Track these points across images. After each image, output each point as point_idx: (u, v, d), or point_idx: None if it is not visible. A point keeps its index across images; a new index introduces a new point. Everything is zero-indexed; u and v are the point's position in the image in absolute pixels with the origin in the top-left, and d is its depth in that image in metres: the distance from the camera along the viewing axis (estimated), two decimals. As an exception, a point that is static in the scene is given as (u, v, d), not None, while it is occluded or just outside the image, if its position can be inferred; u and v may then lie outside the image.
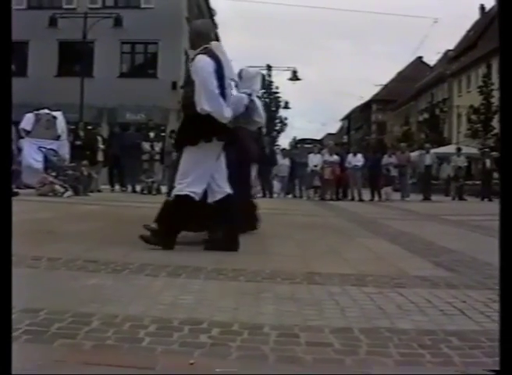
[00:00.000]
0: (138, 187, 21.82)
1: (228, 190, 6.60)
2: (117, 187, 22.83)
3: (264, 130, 8.47)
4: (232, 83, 7.17)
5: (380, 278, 4.99)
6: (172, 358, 2.77)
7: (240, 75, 8.31)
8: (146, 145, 21.70)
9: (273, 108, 60.10)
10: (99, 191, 21.04)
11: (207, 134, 6.36)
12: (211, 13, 45.63)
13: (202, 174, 6.46)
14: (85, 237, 7.28)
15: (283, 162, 25.07)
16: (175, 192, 6.57)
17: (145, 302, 3.77)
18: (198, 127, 6.41)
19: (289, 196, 25.50)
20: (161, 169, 22.47)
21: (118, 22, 33.13)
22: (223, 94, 6.39)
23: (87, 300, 3.74)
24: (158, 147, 22.06)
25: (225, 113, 6.38)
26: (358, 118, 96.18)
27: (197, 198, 6.41)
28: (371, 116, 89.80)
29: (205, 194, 6.56)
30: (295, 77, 41.84)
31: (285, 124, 62.29)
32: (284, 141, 50.62)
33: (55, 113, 20.52)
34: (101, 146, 21.94)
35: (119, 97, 32.29)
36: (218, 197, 6.54)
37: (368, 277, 5.00)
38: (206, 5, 43.28)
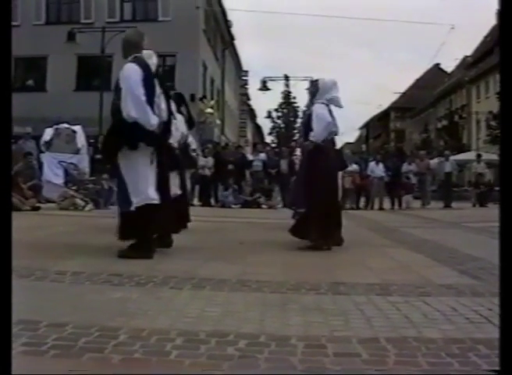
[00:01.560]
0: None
1: (149, 197, 6.61)
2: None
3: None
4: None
5: (405, 287, 4.97)
6: (200, 370, 2.77)
7: (316, 86, 8.35)
8: (165, 157, 21.72)
9: (291, 118, 60.02)
10: (120, 204, 21.05)
11: (132, 141, 6.50)
12: (227, 25, 45.71)
13: (146, 179, 6.60)
14: (107, 250, 7.27)
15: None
16: (135, 205, 6.57)
17: (171, 315, 3.77)
18: (124, 134, 6.53)
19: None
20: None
21: (136, 35, 33.28)
22: (150, 101, 6.51)
23: (113, 314, 3.75)
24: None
25: (152, 120, 6.48)
26: (377, 126, 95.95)
27: (155, 202, 6.58)
28: (389, 124, 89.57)
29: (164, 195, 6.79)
30: (313, 87, 41.82)
31: (303, 134, 62.26)
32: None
33: (74, 127, 20.59)
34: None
35: (137, 110, 32.40)
36: (140, 203, 6.57)
37: (393, 286, 4.99)
38: (223, 17, 43.29)
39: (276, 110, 60.22)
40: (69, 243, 8.02)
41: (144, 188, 6.59)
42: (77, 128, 20.63)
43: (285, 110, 59.76)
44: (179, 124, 9.67)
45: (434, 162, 27.92)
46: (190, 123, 10.54)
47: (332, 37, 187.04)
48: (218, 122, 41.55)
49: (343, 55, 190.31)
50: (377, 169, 23.39)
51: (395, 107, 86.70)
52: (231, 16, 45.39)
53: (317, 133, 7.94)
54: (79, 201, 17.19)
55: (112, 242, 8.15)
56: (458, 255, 7.20)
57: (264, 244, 8.48)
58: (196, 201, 22.96)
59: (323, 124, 7.96)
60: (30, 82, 36.79)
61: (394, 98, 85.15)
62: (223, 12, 42.62)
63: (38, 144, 20.24)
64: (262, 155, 23.33)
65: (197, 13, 35.33)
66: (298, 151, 15.98)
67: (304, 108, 9.34)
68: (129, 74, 6.52)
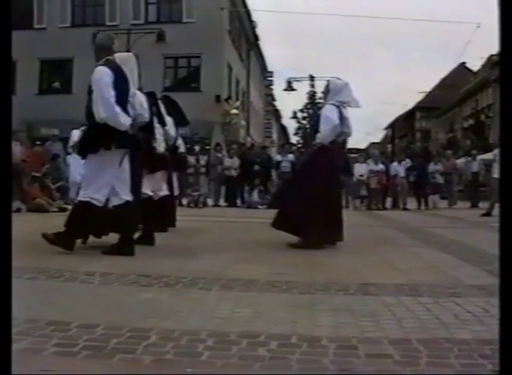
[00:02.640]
0: (184, 201, 21.86)
1: (126, 197, 6.83)
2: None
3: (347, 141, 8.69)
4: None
5: (434, 288, 4.94)
6: (232, 371, 2.77)
7: (327, 87, 8.37)
8: (191, 159, 21.78)
9: (317, 119, 59.91)
10: (146, 205, 21.11)
11: (105, 142, 6.64)
12: (252, 25, 45.71)
13: (104, 181, 6.74)
14: (136, 251, 7.31)
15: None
16: (79, 198, 6.89)
17: (201, 316, 3.77)
18: (98, 135, 6.69)
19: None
20: (207, 182, 22.55)
21: (161, 37, 33.31)
22: (122, 102, 6.67)
23: (144, 315, 3.75)
24: (203, 160, 22.21)
25: (122, 121, 6.62)
26: (402, 126, 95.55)
27: (99, 204, 6.71)
28: (415, 124, 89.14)
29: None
30: (338, 87, 41.76)
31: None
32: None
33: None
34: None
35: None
36: (116, 203, 6.78)
37: (422, 287, 4.96)
38: (247, 18, 43.29)
39: (302, 111, 60.10)
40: (96, 244, 8.05)
41: (119, 189, 6.81)
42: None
43: (310, 111, 59.60)
44: (168, 127, 9.92)
45: (460, 161, 27.78)
46: (184, 121, 10.95)
47: (357, 37, 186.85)
48: (243, 123, 41.59)
49: (367, 55, 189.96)
50: (400, 169, 23.33)
51: (420, 107, 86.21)
52: (255, 16, 45.42)
53: (323, 135, 7.96)
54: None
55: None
56: (486, 255, 7.13)
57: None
58: (222, 202, 23.01)
59: (329, 126, 7.95)
60: (57, 84, 36.99)
61: (419, 97, 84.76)
62: (248, 13, 42.62)
63: (65, 145, 20.33)
64: (290, 156, 23.29)
65: (222, 14, 35.34)
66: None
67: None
68: (99, 77, 6.68)
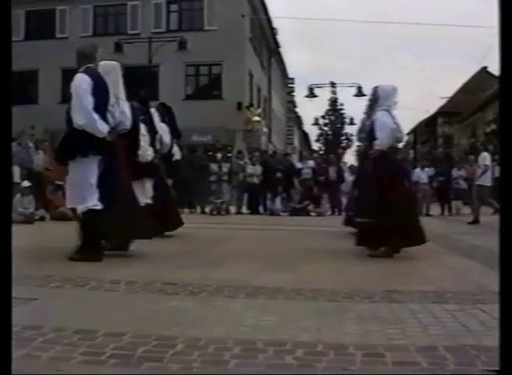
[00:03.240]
0: (207, 208, 21.88)
1: (89, 204, 6.86)
2: (186, 208, 22.96)
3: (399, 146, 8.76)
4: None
5: (460, 294, 4.92)
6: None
7: (375, 93, 8.34)
8: (214, 166, 21.83)
9: (338, 125, 59.77)
10: (169, 213, 21.12)
11: (83, 148, 6.80)
12: (273, 32, 45.71)
13: (90, 187, 6.84)
14: (160, 259, 7.34)
15: (352, 179, 24.78)
16: (80, 211, 6.94)
17: (227, 324, 3.77)
18: (75, 142, 6.89)
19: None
20: (230, 190, 22.55)
21: (182, 45, 33.41)
22: (101, 109, 6.86)
23: (170, 323, 3.76)
24: (225, 167, 22.20)
25: (100, 127, 6.77)
26: (424, 132, 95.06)
27: (99, 207, 6.84)
28: (437, 129, 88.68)
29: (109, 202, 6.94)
30: (360, 93, 41.65)
31: (351, 141, 61.84)
32: (350, 158, 50.14)
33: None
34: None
35: (185, 119, 32.14)
36: (84, 210, 6.87)
37: (448, 294, 4.94)
38: (268, 25, 43.32)
39: (323, 117, 59.96)
40: (121, 252, 8.08)
41: (88, 195, 6.86)
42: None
43: (332, 117, 59.50)
44: (162, 134, 10.31)
45: (484, 167, 27.59)
46: (175, 133, 11.18)
47: (377, 43, 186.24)
48: (265, 130, 41.60)
49: (387, 60, 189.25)
50: (423, 175, 23.23)
51: (442, 112, 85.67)
52: (276, 23, 45.45)
53: (381, 141, 7.91)
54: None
55: (162, 250, 8.22)
56: (512, 262, 7.09)
57: (315, 252, 8.45)
58: (244, 209, 23.01)
59: (387, 131, 7.93)
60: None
61: (441, 102, 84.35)
62: (268, 20, 42.66)
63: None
64: (311, 163, 23.23)
65: (243, 22, 35.40)
66: (349, 158, 15.99)
67: (363, 116, 9.27)
68: (78, 83, 6.83)
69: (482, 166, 17.48)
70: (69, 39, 35.57)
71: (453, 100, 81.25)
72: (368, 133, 8.41)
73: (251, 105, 36.67)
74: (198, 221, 17.16)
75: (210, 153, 23.89)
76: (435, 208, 23.27)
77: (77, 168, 6.92)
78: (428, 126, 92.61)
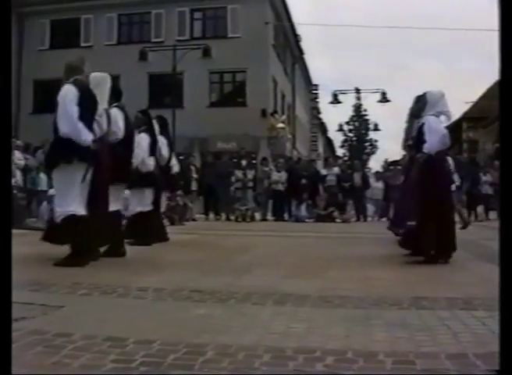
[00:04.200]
0: (232, 215, 21.92)
1: (70, 209, 7.04)
2: (211, 215, 22.99)
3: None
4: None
5: (488, 301, 4.87)
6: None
7: (424, 99, 8.31)
8: (239, 173, 21.86)
9: (363, 131, 59.64)
10: (194, 220, 21.18)
11: (67, 156, 7.01)
12: (296, 39, 45.71)
13: (75, 194, 7.07)
14: (186, 266, 7.36)
15: (377, 185, 24.70)
16: (59, 217, 7.17)
17: (256, 331, 3.77)
18: (60, 149, 7.11)
19: (384, 219, 25.10)
20: (255, 197, 22.57)
21: (206, 53, 33.44)
22: (86, 119, 7.09)
23: (199, 330, 3.76)
24: (250, 174, 22.22)
25: (83, 136, 6.99)
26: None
27: (79, 213, 7.06)
28: (461, 135, 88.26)
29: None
30: (384, 99, 41.58)
31: (375, 147, 61.73)
32: (375, 164, 49.96)
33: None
34: (195, 175, 22.19)
35: (209, 126, 32.55)
36: (64, 214, 7.07)
37: (476, 301, 4.91)
38: (292, 32, 43.33)
39: (347, 123, 59.82)
40: (148, 259, 8.12)
41: (70, 201, 7.07)
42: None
43: (356, 123, 59.37)
44: (161, 146, 10.65)
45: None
46: (172, 146, 11.73)
47: (399, 49, 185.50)
48: (289, 136, 41.56)
49: (410, 66, 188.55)
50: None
51: (467, 117, 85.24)
52: (300, 30, 45.40)
53: (432, 145, 7.87)
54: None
55: (188, 257, 8.24)
56: (541, 268, 7.04)
57: (341, 258, 8.43)
58: (270, 216, 23.02)
59: (438, 136, 7.89)
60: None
61: (466, 108, 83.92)
62: (292, 27, 42.67)
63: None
64: (336, 169, 23.23)
65: (267, 29, 35.41)
66: (374, 164, 16.05)
67: (406, 124, 9.23)
68: (64, 94, 7.07)
69: None
70: (93, 48, 35.83)
71: (477, 105, 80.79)
72: (415, 138, 8.37)
73: (275, 111, 36.65)
74: (224, 228, 17.20)
75: (235, 160, 23.92)
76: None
77: (61, 174, 7.15)
78: (452, 132, 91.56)
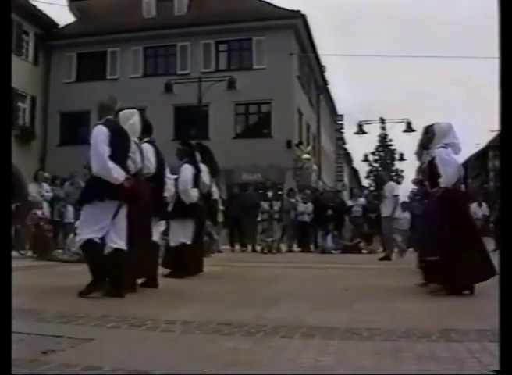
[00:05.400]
0: (258, 247, 21.89)
1: (115, 245, 7.27)
2: (237, 247, 22.98)
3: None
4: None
5: (518, 332, 4.83)
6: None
7: (432, 131, 8.29)
8: (265, 205, 21.84)
9: (388, 161, 59.56)
10: (220, 251, 21.17)
11: (99, 194, 7.26)
12: (321, 70, 45.81)
13: (99, 227, 7.27)
14: (214, 298, 7.37)
15: (404, 216, 24.50)
16: (78, 243, 7.70)
17: (285, 365, 3.76)
18: (93, 187, 7.44)
19: (411, 250, 24.89)
20: (281, 228, 22.53)
21: (231, 84, 33.58)
22: (118, 158, 7.31)
23: (227, 364, 3.75)
24: (276, 206, 22.16)
25: (114, 175, 7.18)
26: (475, 166, 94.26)
27: (98, 241, 7.26)
28: (487, 163, 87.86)
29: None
30: (409, 129, 41.48)
31: (401, 177, 61.53)
32: (402, 195, 49.64)
33: (174, 176, 20.88)
34: (221, 207, 22.24)
35: (235, 158, 32.59)
36: (107, 251, 7.26)
37: (506, 332, 4.86)
38: (316, 62, 43.44)
39: (373, 153, 59.77)
40: (175, 291, 8.12)
41: (90, 229, 7.29)
42: (168, 178, 20.92)
43: (381, 153, 59.34)
44: (202, 174, 10.75)
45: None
46: (213, 172, 11.69)
47: (424, 77, 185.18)
48: (314, 167, 41.54)
49: (435, 94, 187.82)
50: (479, 211, 23.00)
51: (493, 146, 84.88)
52: (324, 60, 45.53)
53: (448, 178, 7.88)
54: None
55: (215, 289, 8.24)
56: None
57: (368, 290, 8.40)
58: (296, 247, 22.97)
59: (454, 168, 7.91)
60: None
61: (491, 136, 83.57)
62: (317, 58, 42.81)
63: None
64: (362, 200, 23.16)
65: (291, 60, 35.53)
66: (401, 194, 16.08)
67: (416, 156, 9.25)
68: (96, 134, 7.31)
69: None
70: (119, 80, 36.16)
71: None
72: (427, 171, 8.33)
73: (301, 142, 36.67)
74: (250, 260, 17.18)
75: (261, 191, 23.93)
76: (489, 243, 22.95)
77: (91, 208, 7.36)
78: (478, 160, 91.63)
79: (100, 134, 7.27)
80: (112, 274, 7.25)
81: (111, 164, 7.15)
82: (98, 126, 7.41)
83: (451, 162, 7.92)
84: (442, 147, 8.03)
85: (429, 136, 8.31)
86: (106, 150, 7.18)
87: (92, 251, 7.29)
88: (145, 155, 8.25)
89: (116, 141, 7.32)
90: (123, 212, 7.42)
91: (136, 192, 7.52)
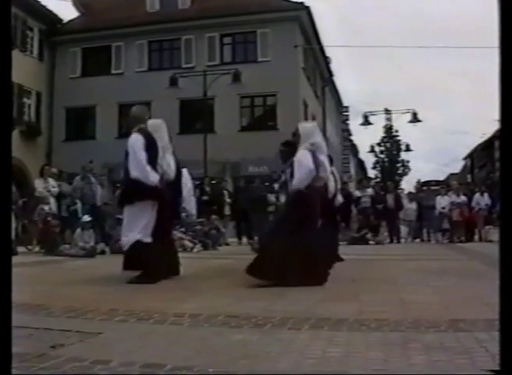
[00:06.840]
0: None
1: (146, 240, 8.24)
2: (244, 239, 22.97)
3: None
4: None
5: (527, 322, 4.83)
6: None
7: (297, 132, 8.68)
8: (271, 197, 21.82)
9: (394, 152, 59.50)
10: (227, 244, 21.20)
11: (140, 195, 8.17)
12: (326, 62, 45.69)
13: (142, 224, 8.23)
14: (222, 291, 7.38)
15: (410, 206, 24.55)
16: (127, 244, 8.33)
17: (294, 357, 3.75)
18: (133, 190, 8.26)
19: (417, 240, 24.96)
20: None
21: (236, 77, 33.47)
22: (151, 163, 8.23)
23: (236, 356, 3.75)
24: (283, 198, 22.15)
25: (151, 178, 8.13)
26: (481, 156, 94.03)
27: (146, 240, 8.23)
28: (494, 153, 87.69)
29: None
30: (415, 119, 41.45)
31: (407, 167, 61.42)
32: (407, 185, 49.57)
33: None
34: (228, 200, 22.23)
35: (241, 150, 32.62)
36: (131, 241, 8.25)
37: (515, 322, 4.85)
38: (322, 54, 43.32)
39: (379, 144, 59.70)
40: (182, 285, 8.13)
41: (137, 230, 8.21)
42: (183, 171, 20.92)
43: (387, 144, 59.29)
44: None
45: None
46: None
47: (429, 68, 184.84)
48: (320, 159, 41.38)
49: (440, 85, 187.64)
50: (482, 201, 22.98)
51: (499, 135, 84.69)
52: (329, 52, 45.43)
53: (299, 180, 8.09)
54: (187, 243, 17.38)
55: (224, 283, 8.24)
56: None
57: (376, 281, 8.41)
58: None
59: (305, 170, 8.07)
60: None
61: (497, 126, 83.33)
62: (322, 50, 42.70)
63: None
64: (369, 191, 23.15)
65: (296, 52, 35.47)
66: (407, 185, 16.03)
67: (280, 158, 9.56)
68: (134, 142, 8.21)
69: None
70: (124, 74, 36.20)
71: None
72: (290, 170, 8.48)
73: (306, 134, 36.54)
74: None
75: (267, 184, 23.90)
76: (495, 234, 22.94)
77: (133, 209, 8.32)
78: (484, 151, 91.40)
79: (137, 142, 8.14)
80: (141, 263, 8.12)
81: (148, 168, 8.10)
82: (134, 134, 8.28)
83: (303, 164, 8.09)
84: (305, 148, 8.25)
85: (296, 137, 8.43)
86: (144, 156, 8.07)
87: (143, 249, 8.15)
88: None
89: (149, 148, 8.20)
90: (155, 210, 8.29)
91: (166, 193, 8.37)
